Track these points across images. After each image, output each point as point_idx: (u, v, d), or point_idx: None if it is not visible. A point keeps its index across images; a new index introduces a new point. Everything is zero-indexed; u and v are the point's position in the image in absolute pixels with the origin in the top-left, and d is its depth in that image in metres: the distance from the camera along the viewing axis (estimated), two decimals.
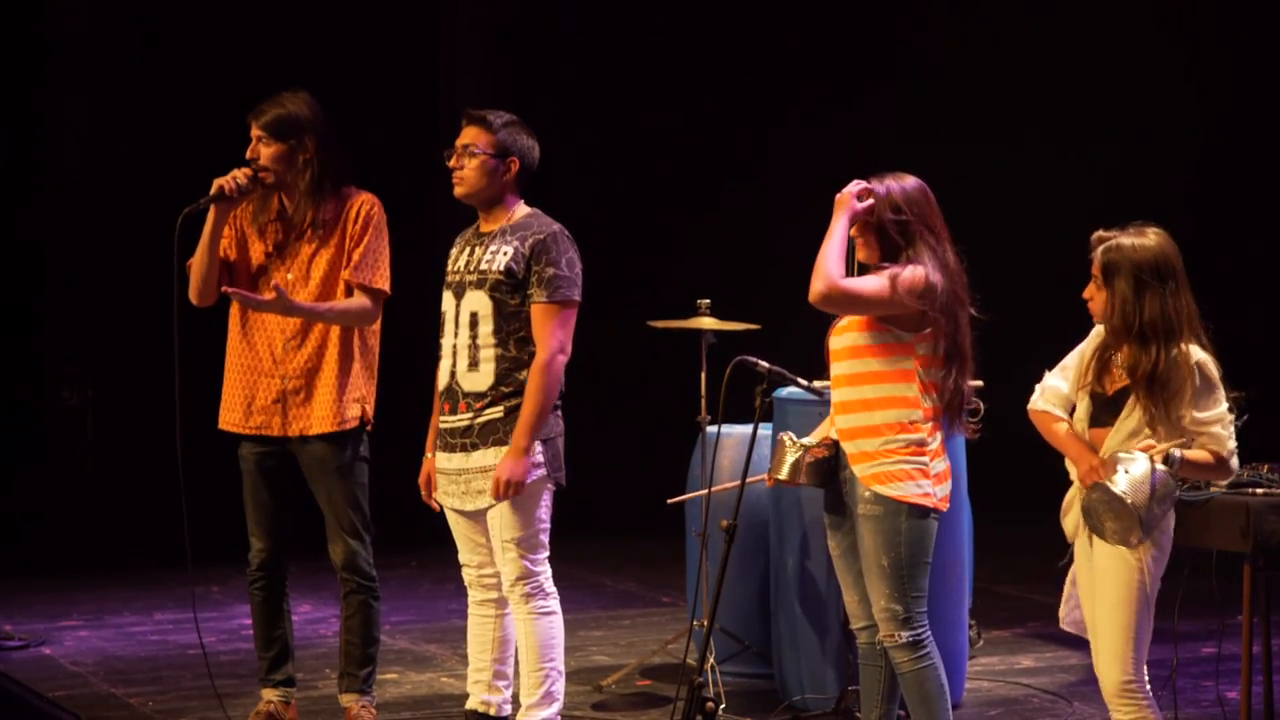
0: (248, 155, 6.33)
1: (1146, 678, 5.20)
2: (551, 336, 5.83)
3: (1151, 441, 5.05)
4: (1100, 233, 5.20)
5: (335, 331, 6.33)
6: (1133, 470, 4.92)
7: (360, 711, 6.45)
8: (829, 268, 5.34)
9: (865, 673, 5.66)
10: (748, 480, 5.52)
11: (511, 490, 5.82)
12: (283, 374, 6.34)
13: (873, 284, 5.38)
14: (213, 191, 6.23)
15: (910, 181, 5.51)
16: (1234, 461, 5.15)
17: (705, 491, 6.43)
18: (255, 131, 6.34)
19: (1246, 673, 6.16)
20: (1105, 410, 5.18)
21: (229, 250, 6.37)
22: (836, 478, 5.53)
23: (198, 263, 6.33)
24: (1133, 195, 10.42)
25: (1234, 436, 5.11)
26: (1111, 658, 5.17)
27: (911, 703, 5.52)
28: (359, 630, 6.46)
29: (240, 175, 6.26)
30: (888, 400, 5.42)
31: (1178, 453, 5.01)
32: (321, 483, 6.38)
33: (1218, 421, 5.07)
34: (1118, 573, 5.13)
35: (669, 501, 7.42)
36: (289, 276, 6.33)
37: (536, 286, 5.85)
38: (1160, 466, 4.95)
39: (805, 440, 5.51)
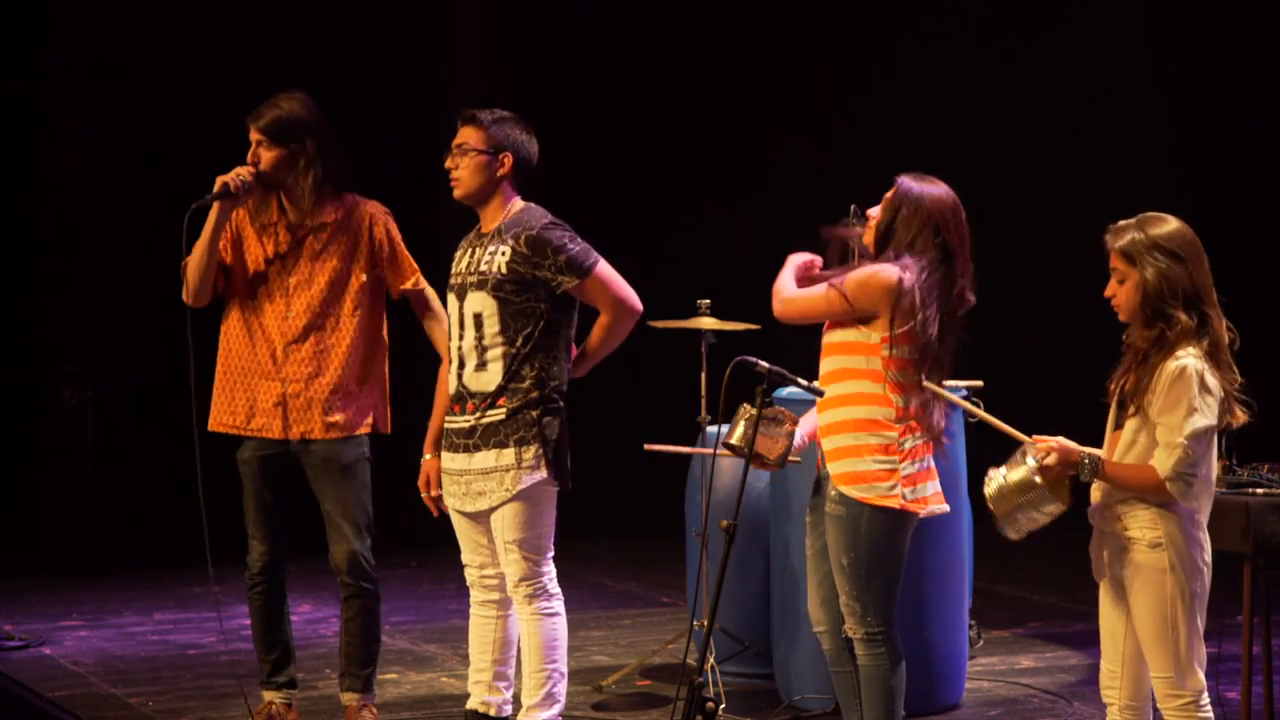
0: (249, 159, 6.31)
1: (1205, 698, 4.87)
2: (609, 296, 5.93)
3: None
4: (1112, 226, 4.95)
5: (341, 337, 6.34)
6: (1005, 470, 4.95)
7: (361, 711, 6.46)
8: (781, 288, 5.55)
9: (836, 679, 5.61)
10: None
11: None
12: (283, 377, 6.34)
13: (816, 294, 5.47)
14: (217, 188, 6.22)
15: (934, 190, 5.48)
16: (1175, 487, 4.71)
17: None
18: (254, 135, 6.32)
19: (1246, 673, 6.17)
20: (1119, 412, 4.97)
21: (225, 253, 6.36)
22: (815, 475, 5.53)
23: (196, 262, 6.29)
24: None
25: (1191, 462, 4.71)
26: (1156, 674, 4.89)
27: (864, 696, 5.51)
28: (360, 632, 6.45)
29: (244, 172, 6.25)
30: (859, 398, 5.42)
31: (1097, 455, 4.82)
32: (326, 483, 6.38)
33: (1170, 437, 4.74)
34: (1139, 590, 4.87)
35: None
36: (291, 281, 6.33)
37: (564, 275, 5.84)
38: (1030, 462, 4.86)
39: None
